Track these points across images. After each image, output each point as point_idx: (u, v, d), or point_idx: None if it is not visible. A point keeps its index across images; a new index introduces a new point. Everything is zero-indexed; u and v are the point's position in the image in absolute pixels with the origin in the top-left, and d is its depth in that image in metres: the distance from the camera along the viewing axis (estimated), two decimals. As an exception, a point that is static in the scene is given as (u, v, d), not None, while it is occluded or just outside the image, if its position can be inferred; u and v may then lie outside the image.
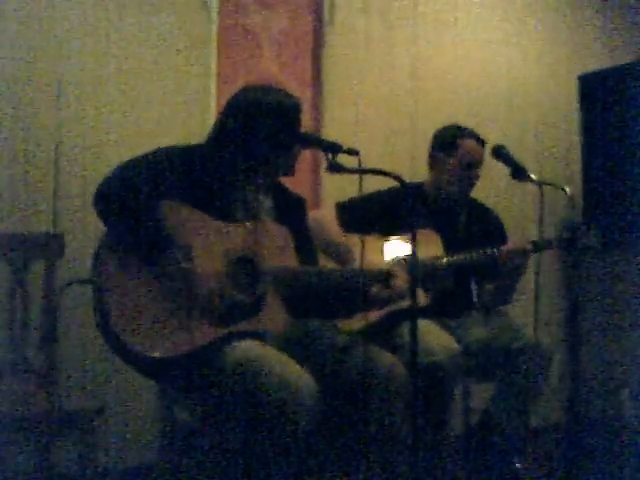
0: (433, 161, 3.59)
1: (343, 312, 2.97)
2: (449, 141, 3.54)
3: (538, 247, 3.36)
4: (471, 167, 3.51)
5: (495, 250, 3.33)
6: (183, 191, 2.64)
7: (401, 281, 2.78)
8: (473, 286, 3.65)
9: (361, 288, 2.77)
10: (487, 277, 3.53)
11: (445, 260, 3.31)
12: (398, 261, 2.96)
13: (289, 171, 2.88)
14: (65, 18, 3.67)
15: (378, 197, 3.46)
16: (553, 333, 4.54)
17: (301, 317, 2.88)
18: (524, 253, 3.33)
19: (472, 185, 3.56)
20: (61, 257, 3.12)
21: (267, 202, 2.88)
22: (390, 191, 3.47)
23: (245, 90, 2.84)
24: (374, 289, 2.80)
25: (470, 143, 3.51)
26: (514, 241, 3.44)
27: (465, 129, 3.55)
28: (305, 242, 2.93)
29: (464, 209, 3.63)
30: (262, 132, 2.74)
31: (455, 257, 3.32)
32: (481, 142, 3.53)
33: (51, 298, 3.07)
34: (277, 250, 2.74)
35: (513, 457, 3.37)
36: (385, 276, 2.80)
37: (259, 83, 2.99)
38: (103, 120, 3.76)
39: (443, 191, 3.56)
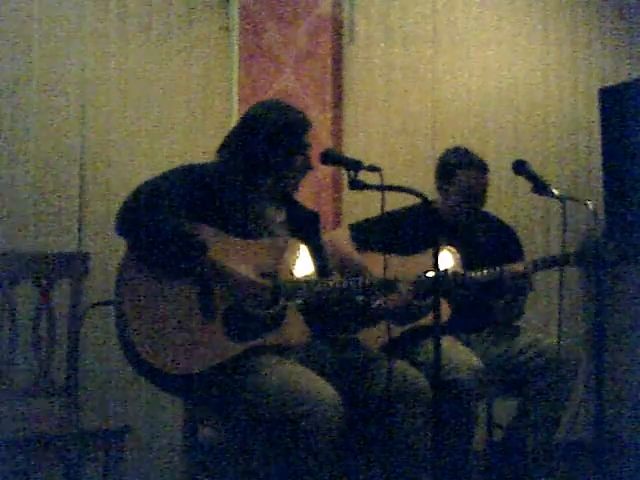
0: (438, 186, 3.59)
1: (358, 325, 2.99)
2: (449, 170, 3.53)
3: (539, 266, 3.33)
4: (472, 195, 3.50)
5: (498, 269, 3.31)
6: (200, 209, 2.67)
7: (403, 293, 2.80)
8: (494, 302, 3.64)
9: (361, 299, 2.79)
10: (499, 293, 3.52)
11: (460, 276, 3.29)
12: (419, 277, 2.95)
13: (294, 187, 2.90)
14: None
15: (392, 216, 3.45)
16: (577, 347, 4.51)
17: (322, 331, 2.90)
18: (524, 275, 3.31)
19: (477, 208, 3.55)
20: (87, 276, 3.15)
21: (281, 217, 2.91)
22: (404, 210, 3.48)
23: (254, 107, 2.89)
24: (377, 302, 2.82)
25: (469, 173, 3.48)
26: (517, 263, 3.39)
27: (465, 156, 3.52)
28: (320, 255, 2.95)
29: (479, 225, 3.62)
30: (268, 146, 2.77)
31: (470, 273, 3.30)
32: (481, 168, 3.50)
33: (76, 318, 3.09)
34: (296, 265, 2.76)
35: (537, 474, 3.35)
36: (386, 286, 2.81)
37: (268, 99, 3.02)
38: (128, 140, 3.81)
39: (450, 212, 3.55)
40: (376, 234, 3.38)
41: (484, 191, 3.52)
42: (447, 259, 3.34)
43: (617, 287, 4.73)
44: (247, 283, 2.61)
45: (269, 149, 2.78)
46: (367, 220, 3.53)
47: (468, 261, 3.39)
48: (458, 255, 3.39)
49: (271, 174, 2.81)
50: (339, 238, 3.46)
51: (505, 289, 3.35)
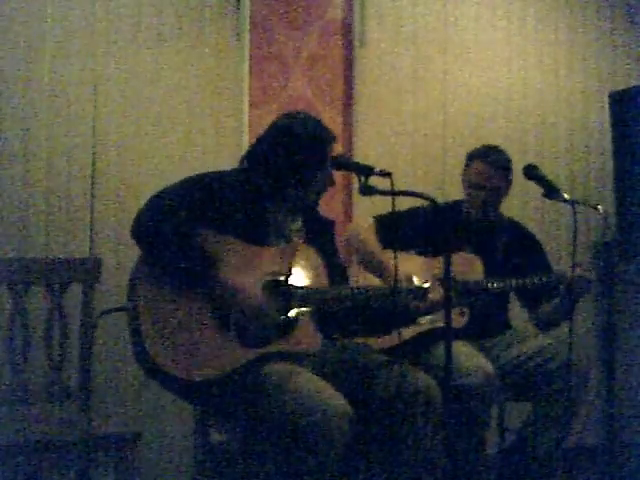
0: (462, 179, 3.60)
1: (377, 330, 2.99)
2: (467, 160, 3.54)
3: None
4: (479, 188, 3.47)
5: (559, 275, 3.31)
6: (217, 216, 2.67)
7: (437, 295, 2.81)
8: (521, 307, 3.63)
9: (398, 305, 2.81)
10: (542, 302, 3.50)
11: (498, 283, 3.27)
12: (435, 280, 2.96)
13: (315, 201, 2.91)
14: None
15: (417, 214, 3.44)
16: (589, 352, 4.51)
17: (334, 337, 2.90)
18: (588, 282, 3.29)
19: (482, 206, 3.50)
20: (99, 282, 3.15)
21: (297, 224, 2.91)
22: (430, 209, 3.47)
23: (283, 118, 2.88)
24: (412, 305, 2.83)
25: (478, 165, 3.47)
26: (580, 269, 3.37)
27: (485, 150, 3.50)
28: (335, 263, 2.96)
29: (504, 231, 3.60)
30: (297, 160, 2.77)
31: (510, 281, 3.29)
32: (497, 166, 3.46)
33: (88, 323, 3.10)
34: (309, 271, 2.76)
35: (548, 478, 3.34)
36: (422, 292, 2.83)
37: (296, 111, 3.01)
38: (139, 145, 3.82)
39: (472, 212, 3.54)
40: (400, 230, 3.36)
41: (496, 190, 3.49)
42: (469, 264, 3.34)
43: (628, 292, 4.72)
44: (253, 303, 2.60)
45: (295, 162, 2.78)
46: (393, 214, 3.45)
47: (490, 267, 3.38)
48: (477, 260, 3.38)
49: (295, 186, 2.82)
50: (363, 231, 3.44)
51: (558, 292, 3.35)
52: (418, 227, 3.43)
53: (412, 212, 3.43)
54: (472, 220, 3.53)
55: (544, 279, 3.30)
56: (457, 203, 3.59)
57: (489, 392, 3.10)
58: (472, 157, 3.52)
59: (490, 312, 3.43)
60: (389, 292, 2.79)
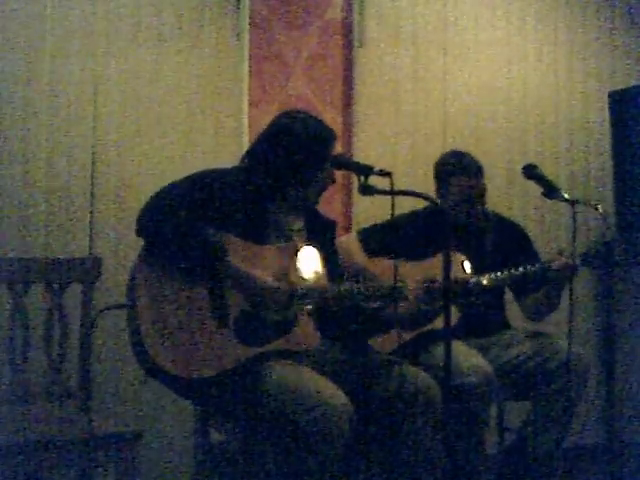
0: (435, 189, 3.58)
1: (376, 330, 3.00)
2: (444, 176, 3.53)
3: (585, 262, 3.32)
4: (467, 199, 3.48)
5: (545, 264, 3.30)
6: (218, 215, 2.67)
7: (411, 296, 2.81)
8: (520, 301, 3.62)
9: (372, 307, 2.80)
10: (530, 290, 3.50)
11: (487, 278, 3.27)
12: (430, 282, 2.96)
13: (315, 200, 2.91)
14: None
15: (400, 221, 3.45)
16: (588, 351, 4.51)
17: (334, 336, 2.90)
18: (573, 268, 3.29)
19: (476, 210, 3.52)
20: (98, 281, 3.15)
21: (298, 224, 2.91)
22: (412, 214, 3.49)
23: (284, 117, 2.88)
24: (388, 308, 2.83)
25: (463, 179, 3.45)
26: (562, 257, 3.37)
27: (458, 162, 3.49)
28: (333, 262, 2.96)
29: (490, 227, 3.60)
30: (298, 160, 2.77)
31: (498, 275, 3.29)
32: (475, 173, 3.47)
33: (88, 322, 3.10)
34: (309, 271, 2.76)
35: (548, 478, 3.34)
36: (392, 293, 2.81)
37: (296, 109, 3.01)
38: (139, 144, 3.82)
39: (452, 215, 3.53)
40: (385, 240, 3.38)
41: (480, 194, 3.51)
42: (456, 264, 3.34)
43: (627, 290, 4.73)
44: (265, 287, 2.62)
45: (296, 161, 2.78)
46: (375, 226, 3.53)
47: (478, 264, 3.38)
48: (466, 259, 3.38)
49: (295, 185, 2.82)
50: (348, 244, 3.46)
51: (550, 280, 3.35)
52: (403, 234, 3.44)
53: (395, 220, 3.43)
54: (457, 221, 3.53)
55: (531, 268, 3.30)
56: (440, 206, 3.57)
57: (488, 391, 3.11)
58: (449, 174, 3.50)
59: (486, 311, 3.43)
60: (389, 292, 2.79)
